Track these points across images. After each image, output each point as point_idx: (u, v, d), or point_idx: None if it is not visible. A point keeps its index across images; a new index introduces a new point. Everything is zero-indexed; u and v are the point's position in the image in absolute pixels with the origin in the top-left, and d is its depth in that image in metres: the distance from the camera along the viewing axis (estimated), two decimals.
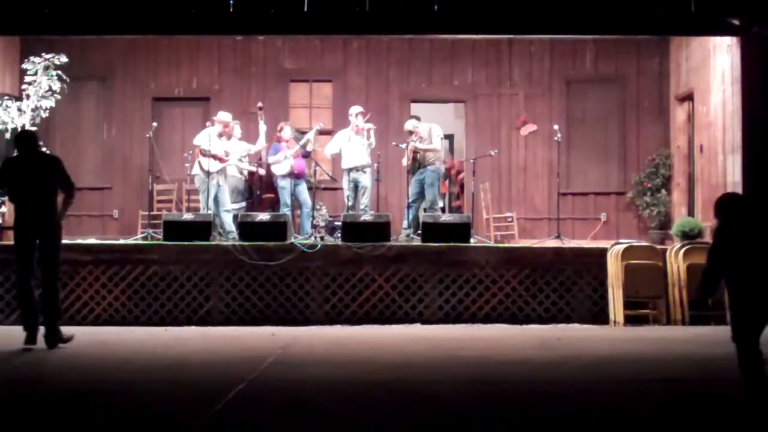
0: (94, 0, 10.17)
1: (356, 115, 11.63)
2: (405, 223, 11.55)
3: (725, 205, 5.42)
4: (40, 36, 11.92)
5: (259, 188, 11.89)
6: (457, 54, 13.29)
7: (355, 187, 11.56)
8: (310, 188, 11.72)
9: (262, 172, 11.82)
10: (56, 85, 11.40)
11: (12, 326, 9.35)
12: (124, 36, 12.37)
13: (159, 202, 12.43)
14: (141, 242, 10.62)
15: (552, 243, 10.78)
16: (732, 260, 5.22)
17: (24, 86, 11.53)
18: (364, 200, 11.54)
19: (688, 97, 12.41)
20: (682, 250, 9.48)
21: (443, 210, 12.39)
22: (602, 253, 9.85)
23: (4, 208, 10.74)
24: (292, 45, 13.38)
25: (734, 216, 5.34)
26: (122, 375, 6.54)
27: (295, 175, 11.53)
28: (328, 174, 12.07)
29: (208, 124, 11.61)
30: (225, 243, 10.19)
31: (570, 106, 13.24)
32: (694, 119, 12.24)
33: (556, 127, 11.65)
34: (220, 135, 11.37)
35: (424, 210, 11.46)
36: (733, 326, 5.23)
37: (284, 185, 11.52)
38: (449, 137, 14.92)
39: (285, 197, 11.49)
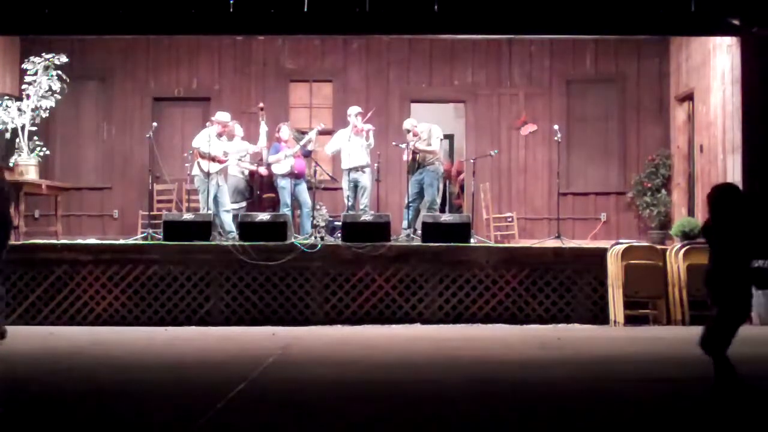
0: (94, 0, 10.15)
1: (355, 116, 11.64)
2: (405, 223, 11.54)
3: (714, 200, 5.29)
4: (40, 36, 11.95)
5: (259, 188, 11.89)
6: (457, 54, 13.29)
7: (355, 187, 11.56)
8: (310, 188, 11.71)
9: (263, 171, 11.81)
10: (56, 85, 11.42)
11: (12, 326, 9.37)
12: (124, 36, 12.40)
13: (159, 202, 12.42)
14: (141, 242, 10.62)
15: (552, 243, 10.77)
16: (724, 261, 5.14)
17: (24, 86, 11.55)
18: (364, 200, 11.54)
19: (688, 97, 12.41)
20: (683, 250, 9.48)
21: (443, 209, 12.38)
22: (602, 253, 9.85)
23: None
24: (292, 45, 13.38)
25: (724, 213, 5.21)
26: (122, 375, 6.51)
27: (295, 175, 11.53)
28: (328, 174, 12.07)
29: (207, 124, 11.60)
30: (225, 243, 10.19)
31: (570, 106, 13.24)
32: (694, 119, 12.23)
33: (556, 127, 11.63)
34: (219, 135, 11.39)
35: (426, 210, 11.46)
36: (715, 329, 5.15)
37: (284, 185, 11.52)
38: (449, 137, 14.90)
39: (285, 197, 11.50)
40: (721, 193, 5.34)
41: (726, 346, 5.12)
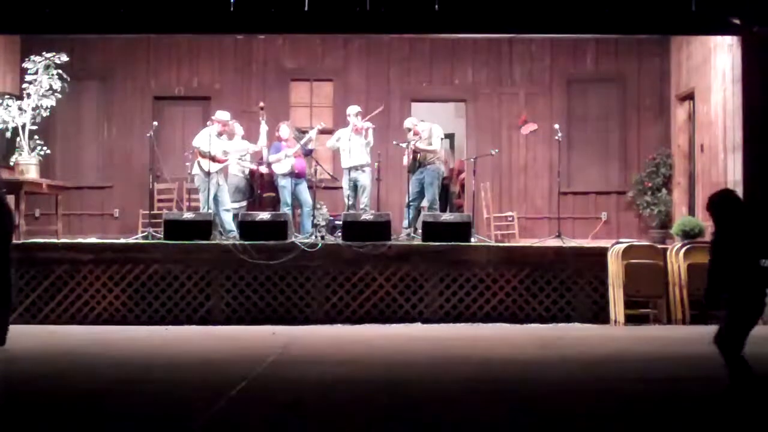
0: None
1: (355, 115, 11.62)
2: (405, 223, 11.53)
3: (716, 205, 5.30)
4: (40, 35, 11.89)
5: (259, 187, 11.86)
6: (458, 53, 13.28)
7: (355, 186, 11.54)
8: (310, 187, 11.68)
9: (263, 169, 11.80)
10: (57, 84, 11.36)
11: (12, 325, 9.33)
12: (125, 35, 12.34)
13: (159, 201, 12.40)
14: (142, 241, 10.59)
15: (553, 242, 10.75)
16: (730, 263, 5.13)
17: (25, 85, 11.51)
18: (364, 199, 11.52)
19: (689, 97, 12.39)
20: (683, 250, 9.47)
21: (444, 209, 12.37)
22: (603, 252, 9.84)
23: None
24: (292, 44, 13.36)
25: (727, 217, 5.23)
26: (122, 374, 6.51)
27: (296, 174, 11.52)
28: (328, 173, 12.06)
29: (208, 123, 11.58)
30: (225, 242, 10.19)
31: (571, 105, 13.22)
32: (695, 118, 12.21)
33: (556, 126, 11.60)
34: (220, 134, 11.36)
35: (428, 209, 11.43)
36: (728, 330, 5.15)
37: (285, 184, 11.51)
38: (450, 136, 14.88)
39: (285, 196, 11.48)
40: (721, 199, 5.35)
41: (741, 346, 5.13)
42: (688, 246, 9.57)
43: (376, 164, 11.35)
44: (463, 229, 10.23)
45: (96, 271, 9.83)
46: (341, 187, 11.89)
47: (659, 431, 4.85)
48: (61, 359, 7.26)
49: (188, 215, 10.52)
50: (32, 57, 11.50)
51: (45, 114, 11.51)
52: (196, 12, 10.15)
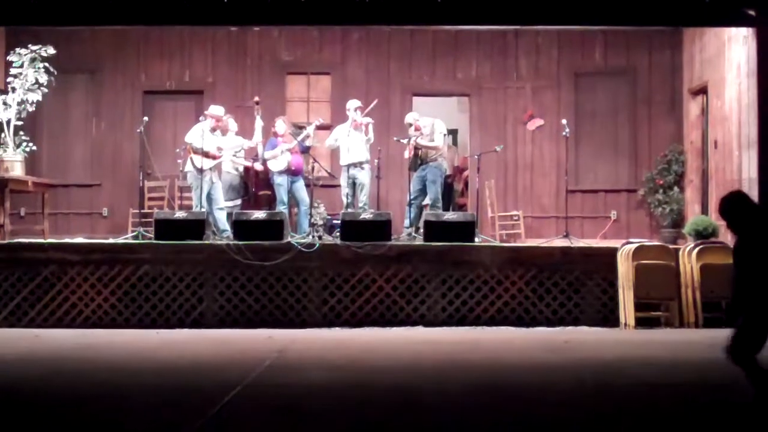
0: None
1: (354, 110, 11.55)
2: (406, 222, 11.46)
3: (727, 209, 5.07)
4: (26, 27, 11.88)
5: (254, 185, 11.81)
6: (461, 45, 13.23)
7: (354, 184, 11.47)
8: (307, 185, 11.58)
9: (258, 167, 11.62)
10: (43, 78, 11.30)
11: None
12: (114, 27, 12.30)
13: (150, 199, 12.35)
14: (131, 241, 10.56)
15: (560, 242, 10.66)
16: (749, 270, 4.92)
17: (9, 79, 11.43)
18: (363, 197, 11.46)
19: (702, 91, 12.36)
20: (696, 250, 9.40)
21: (447, 207, 12.26)
22: (612, 252, 9.76)
23: None
24: (288, 36, 13.32)
25: (741, 220, 5.01)
26: (111, 380, 6.47)
27: (293, 172, 11.46)
28: (326, 170, 12.03)
29: (201, 118, 11.51)
30: (219, 242, 10.20)
31: (579, 99, 13.18)
32: (708, 113, 12.17)
33: (564, 121, 11.52)
34: (213, 130, 11.34)
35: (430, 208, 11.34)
36: (743, 339, 4.95)
37: (281, 182, 11.44)
38: (453, 132, 14.83)
39: (282, 194, 11.42)
40: (730, 203, 5.11)
41: (756, 351, 4.94)
42: (701, 246, 9.50)
43: (375, 161, 11.24)
44: (466, 229, 10.16)
45: (84, 272, 9.76)
46: (339, 185, 11.79)
47: None
48: (47, 364, 7.22)
49: (180, 214, 10.48)
50: (18, 50, 11.42)
51: (31, 109, 11.41)
52: (189, 3, 10.15)
